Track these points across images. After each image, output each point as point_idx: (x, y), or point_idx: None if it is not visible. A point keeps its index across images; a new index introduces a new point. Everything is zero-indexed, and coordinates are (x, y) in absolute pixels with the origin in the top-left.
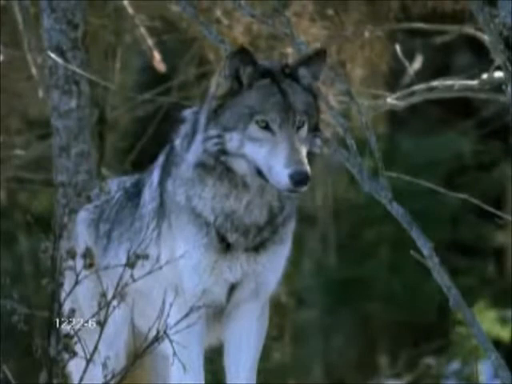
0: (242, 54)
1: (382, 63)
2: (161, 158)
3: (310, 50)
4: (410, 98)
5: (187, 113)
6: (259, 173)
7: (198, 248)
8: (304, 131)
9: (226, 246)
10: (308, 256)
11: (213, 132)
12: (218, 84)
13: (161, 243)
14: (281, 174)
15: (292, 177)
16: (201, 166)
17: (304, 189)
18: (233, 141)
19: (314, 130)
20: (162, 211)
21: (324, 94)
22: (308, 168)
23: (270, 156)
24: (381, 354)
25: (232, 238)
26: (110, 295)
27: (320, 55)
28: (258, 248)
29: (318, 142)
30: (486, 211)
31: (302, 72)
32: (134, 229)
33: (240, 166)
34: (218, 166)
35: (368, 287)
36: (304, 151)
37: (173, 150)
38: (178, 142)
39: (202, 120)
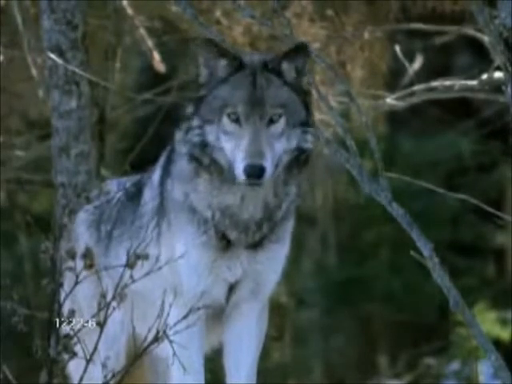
0: (210, 47)
1: (381, 64)
2: (162, 158)
3: (292, 44)
4: (409, 99)
5: (189, 108)
6: (231, 166)
7: (197, 247)
8: (280, 125)
9: (226, 244)
10: (308, 256)
11: (195, 122)
12: (200, 73)
13: (161, 243)
14: (238, 167)
15: (245, 169)
16: (194, 159)
17: (259, 182)
18: (211, 133)
19: (303, 125)
20: (161, 210)
21: (324, 95)
22: (263, 161)
23: (235, 149)
24: (381, 354)
25: (232, 234)
26: (110, 295)
27: (302, 49)
28: (256, 246)
29: (309, 137)
30: (485, 212)
31: (286, 66)
32: (135, 228)
33: (223, 160)
34: (204, 158)
35: (368, 287)
36: (277, 145)
37: (173, 150)
38: (178, 136)
39: (190, 109)
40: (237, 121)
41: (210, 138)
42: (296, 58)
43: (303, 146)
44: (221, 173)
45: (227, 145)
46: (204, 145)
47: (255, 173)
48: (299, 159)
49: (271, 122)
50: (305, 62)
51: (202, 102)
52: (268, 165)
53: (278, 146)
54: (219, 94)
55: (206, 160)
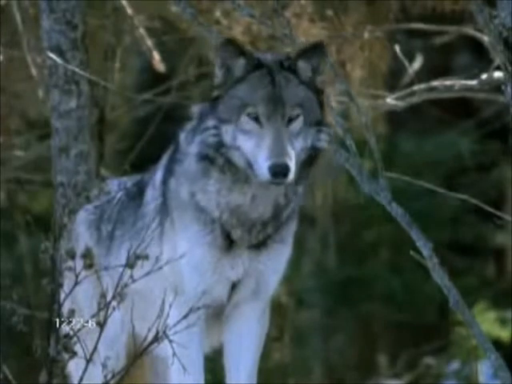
0: (229, 46)
1: (381, 63)
2: (164, 158)
3: (308, 43)
4: (409, 99)
5: (195, 108)
6: (250, 166)
7: (202, 246)
8: (298, 124)
9: (229, 243)
10: (308, 256)
11: (210, 123)
12: (215, 74)
13: (163, 242)
14: (262, 166)
15: (270, 169)
16: (204, 158)
17: (284, 181)
18: (228, 133)
19: (318, 124)
20: (164, 210)
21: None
22: (288, 160)
23: (256, 148)
24: (381, 354)
25: (236, 234)
26: (110, 295)
27: (318, 48)
28: (259, 246)
29: (324, 136)
30: (485, 212)
31: (302, 65)
32: (136, 228)
33: (239, 159)
34: (218, 158)
35: (368, 287)
36: (296, 144)
37: (176, 149)
38: (183, 136)
39: (204, 110)
40: (256, 120)
41: (227, 137)
42: (312, 56)
43: (317, 145)
44: (235, 173)
45: (246, 144)
46: (220, 145)
47: (281, 172)
48: (311, 158)
49: (290, 120)
50: (320, 61)
51: (218, 102)
52: (292, 164)
53: (297, 146)
54: (237, 94)
55: (220, 160)
